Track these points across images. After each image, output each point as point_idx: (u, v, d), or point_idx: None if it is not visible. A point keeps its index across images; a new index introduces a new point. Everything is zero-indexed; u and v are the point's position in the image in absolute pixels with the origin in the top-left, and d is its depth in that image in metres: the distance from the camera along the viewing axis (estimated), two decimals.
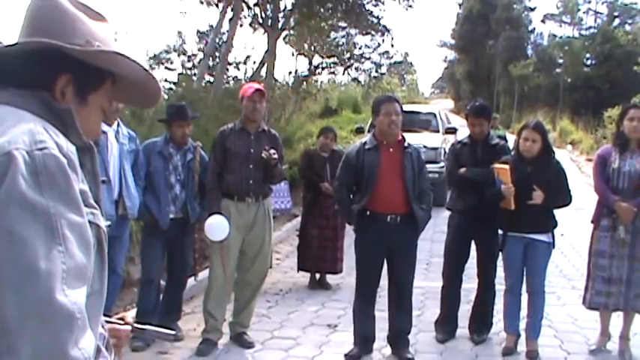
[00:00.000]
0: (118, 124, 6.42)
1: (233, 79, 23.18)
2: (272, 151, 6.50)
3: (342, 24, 29.10)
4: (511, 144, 7.32)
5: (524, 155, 6.40)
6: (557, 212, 6.60)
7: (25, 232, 1.44)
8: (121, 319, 2.07)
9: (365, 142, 6.49)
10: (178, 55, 29.23)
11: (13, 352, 1.40)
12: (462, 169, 6.85)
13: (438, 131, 18.35)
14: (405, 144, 6.37)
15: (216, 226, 6.34)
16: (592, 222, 6.78)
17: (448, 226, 7.17)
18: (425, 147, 14.30)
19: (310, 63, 31.43)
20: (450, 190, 7.35)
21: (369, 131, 16.11)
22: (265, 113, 8.01)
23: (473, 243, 7.03)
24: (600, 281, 6.58)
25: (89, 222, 1.61)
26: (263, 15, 23.92)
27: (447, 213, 7.23)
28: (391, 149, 6.33)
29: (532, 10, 64.81)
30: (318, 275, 9.25)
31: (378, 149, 6.35)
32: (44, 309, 1.43)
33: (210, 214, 6.43)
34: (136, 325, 2.09)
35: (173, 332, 2.30)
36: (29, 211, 1.45)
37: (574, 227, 11.81)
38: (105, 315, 1.85)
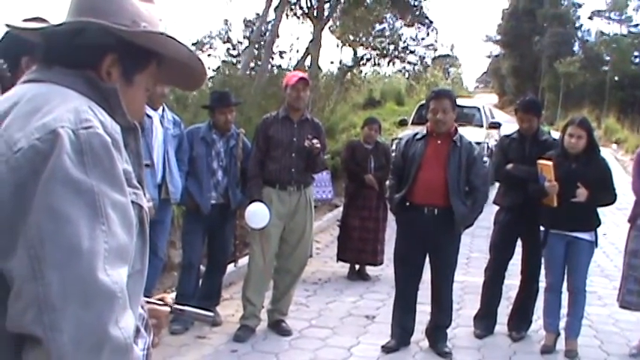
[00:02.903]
0: (164, 109, 6.45)
1: (277, 67, 23.21)
2: (315, 140, 6.49)
3: (388, 15, 29.00)
4: None
5: (569, 152, 6.30)
6: (599, 211, 6.52)
7: (69, 210, 1.45)
8: (161, 299, 2.08)
9: (417, 132, 6.49)
10: (224, 43, 29.36)
11: (56, 328, 1.41)
12: (509, 165, 6.77)
13: (481, 126, 18.18)
14: (456, 137, 6.29)
15: (257, 214, 6.34)
16: (629, 221, 6.70)
17: (494, 222, 7.10)
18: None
19: (355, 54, 31.34)
20: (499, 186, 7.27)
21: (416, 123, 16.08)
22: (309, 102, 8.00)
23: (519, 240, 6.97)
24: (632, 281, 6.54)
25: (132, 202, 1.62)
26: (309, 4, 23.91)
27: (489, 208, 7.16)
28: (439, 141, 6.28)
29: (580, 6, 64.09)
30: (357, 266, 9.23)
31: (426, 139, 6.33)
32: (86, 288, 1.44)
33: (251, 202, 6.44)
34: (175, 306, 2.10)
35: (212, 314, 2.30)
36: (73, 190, 1.46)
37: (617, 227, 11.67)
38: (145, 296, 1.86)
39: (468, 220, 6.31)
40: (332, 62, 36.49)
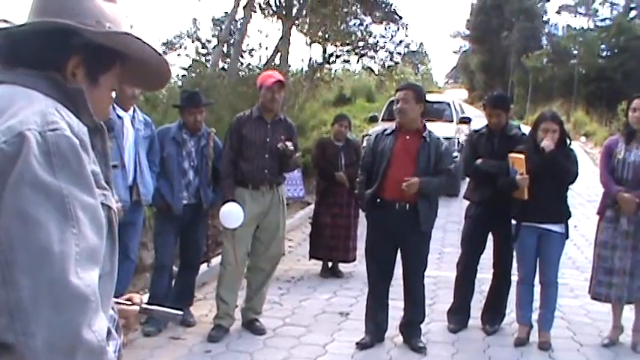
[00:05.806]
0: (134, 110, 6.40)
1: (247, 66, 23.19)
2: (289, 143, 6.49)
3: (357, 12, 29.03)
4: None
5: (546, 149, 6.28)
6: (570, 204, 6.57)
7: (38, 213, 1.44)
8: (129, 299, 2.07)
9: (387, 128, 6.50)
10: (192, 42, 29.28)
11: (29, 334, 1.41)
12: (479, 161, 6.80)
13: (452, 121, 18.29)
14: (425, 133, 6.30)
15: (231, 214, 6.32)
16: (598, 213, 6.76)
17: (465, 217, 7.14)
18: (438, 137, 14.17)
19: (324, 51, 31.35)
20: (469, 181, 7.31)
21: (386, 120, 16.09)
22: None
23: (490, 234, 7.00)
24: (602, 272, 6.57)
25: (101, 203, 1.62)
26: (277, 2, 23.89)
27: (460, 203, 7.22)
28: (408, 137, 6.29)
29: (547, 0, 64.55)
30: (330, 263, 9.23)
31: (395, 135, 6.34)
32: (58, 291, 1.44)
33: (224, 202, 6.42)
34: (143, 305, 2.10)
35: (180, 312, 2.31)
36: (42, 193, 1.45)
37: (587, 219, 11.77)
38: (114, 297, 1.85)
39: (432, 215, 6.35)
40: (302, 60, 36.45)
